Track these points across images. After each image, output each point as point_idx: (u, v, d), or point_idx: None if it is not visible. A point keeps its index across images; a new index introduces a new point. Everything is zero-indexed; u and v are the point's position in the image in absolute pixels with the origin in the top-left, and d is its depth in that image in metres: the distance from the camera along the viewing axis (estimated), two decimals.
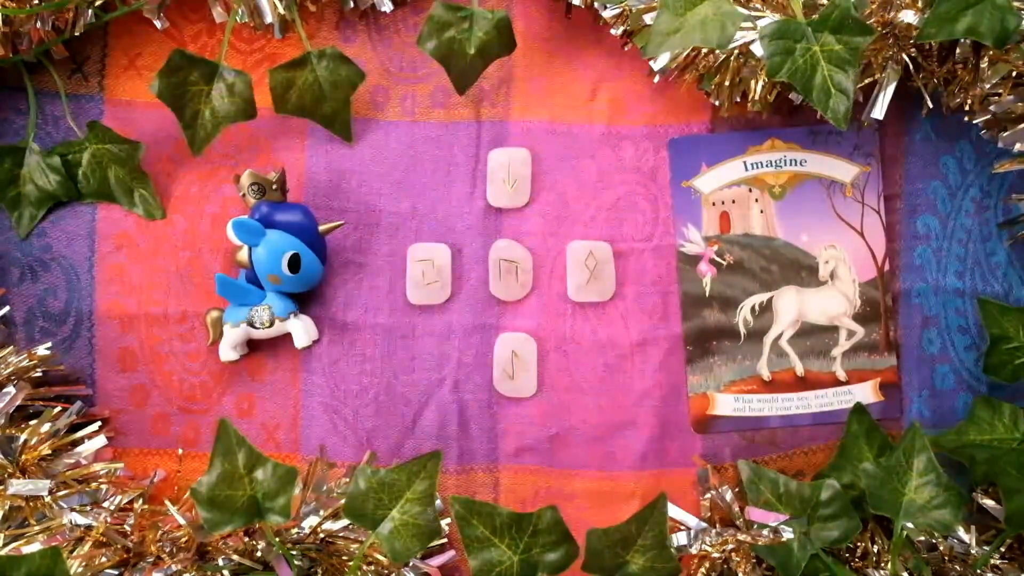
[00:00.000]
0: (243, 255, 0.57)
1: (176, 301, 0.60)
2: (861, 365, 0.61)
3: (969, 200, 0.62)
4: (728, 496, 0.58)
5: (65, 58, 0.60)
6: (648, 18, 0.54)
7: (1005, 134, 0.56)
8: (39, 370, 0.57)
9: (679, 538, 0.57)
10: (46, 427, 0.55)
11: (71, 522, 0.53)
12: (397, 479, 0.50)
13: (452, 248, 0.61)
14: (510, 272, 0.61)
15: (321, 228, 0.58)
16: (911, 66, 0.55)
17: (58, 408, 0.56)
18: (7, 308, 0.59)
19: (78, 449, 0.56)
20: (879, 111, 0.56)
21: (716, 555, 0.57)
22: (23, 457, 0.53)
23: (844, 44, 0.49)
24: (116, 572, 0.53)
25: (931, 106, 0.57)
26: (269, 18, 0.57)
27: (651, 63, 0.57)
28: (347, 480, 0.58)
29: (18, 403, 0.54)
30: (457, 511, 0.49)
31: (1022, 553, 0.56)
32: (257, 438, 0.61)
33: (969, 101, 0.56)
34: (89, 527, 0.53)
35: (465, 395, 0.61)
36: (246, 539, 0.54)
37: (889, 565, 0.55)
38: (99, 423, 0.58)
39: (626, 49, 0.60)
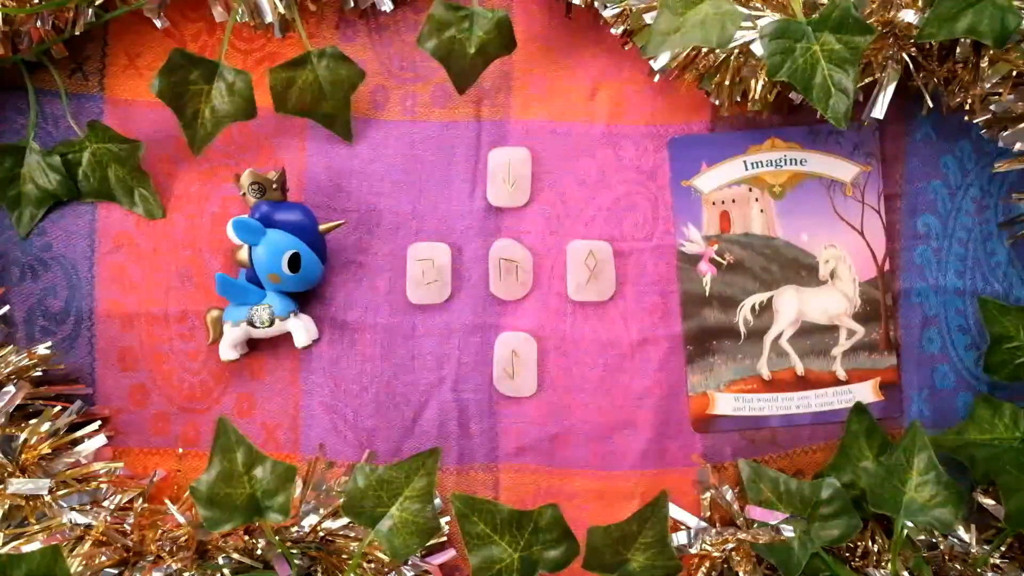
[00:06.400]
0: (243, 254, 0.57)
1: (176, 300, 0.61)
2: (861, 364, 0.61)
3: (969, 200, 0.62)
4: (728, 495, 0.58)
5: (65, 57, 0.60)
6: (648, 17, 0.54)
7: (1005, 133, 0.56)
8: (39, 369, 0.57)
9: (679, 537, 0.57)
10: (46, 426, 0.55)
11: (71, 521, 0.53)
12: (396, 476, 0.50)
13: (452, 247, 0.61)
14: (510, 271, 0.61)
15: (321, 227, 0.58)
16: (911, 66, 0.55)
17: (58, 407, 0.56)
18: (7, 307, 0.59)
19: (78, 448, 0.56)
20: (879, 111, 0.56)
21: (716, 554, 0.57)
22: (23, 456, 0.53)
23: (844, 43, 0.49)
24: (116, 571, 0.53)
25: (931, 106, 0.57)
26: (269, 17, 0.57)
27: (651, 62, 0.57)
28: (347, 479, 0.58)
29: (18, 402, 0.54)
30: (458, 508, 0.49)
31: (1022, 552, 0.56)
32: (257, 437, 0.61)
33: (969, 100, 0.57)
34: (89, 526, 0.53)
35: (465, 394, 0.61)
36: (246, 537, 0.54)
37: (889, 564, 0.55)
38: (99, 422, 0.58)
39: (626, 48, 0.60)
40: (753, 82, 0.55)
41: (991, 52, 0.54)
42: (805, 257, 0.61)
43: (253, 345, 0.61)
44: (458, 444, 0.61)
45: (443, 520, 0.58)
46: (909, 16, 0.52)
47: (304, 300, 0.60)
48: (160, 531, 0.54)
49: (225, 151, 0.61)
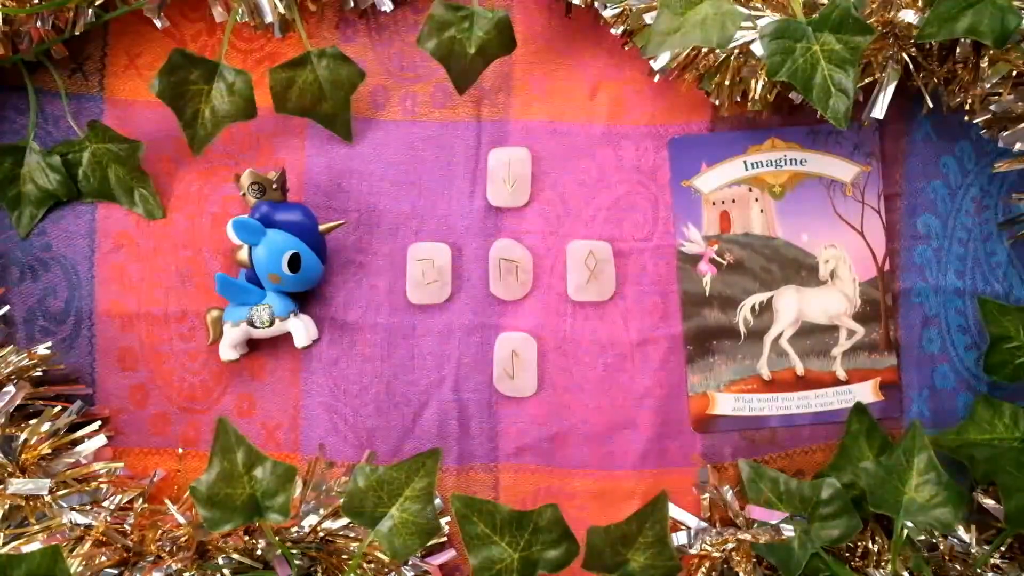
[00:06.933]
0: (243, 254, 0.57)
1: (176, 300, 0.60)
2: (861, 364, 0.61)
3: (969, 200, 0.62)
4: (728, 495, 0.58)
5: (65, 57, 0.60)
6: (648, 17, 0.54)
7: (1005, 133, 0.56)
8: (39, 369, 0.57)
9: (679, 537, 0.57)
10: (46, 426, 0.55)
11: (71, 521, 0.53)
12: (396, 477, 0.50)
13: (452, 247, 0.61)
14: (510, 272, 0.61)
15: (321, 227, 0.58)
16: (911, 66, 0.55)
17: (58, 407, 0.56)
18: (7, 307, 0.59)
19: (78, 448, 0.56)
20: (879, 111, 0.56)
21: (716, 554, 0.57)
22: (23, 456, 0.53)
23: (844, 44, 0.49)
24: (116, 571, 0.53)
25: (931, 106, 0.57)
26: (269, 17, 0.57)
27: (651, 62, 0.57)
28: (347, 479, 0.58)
29: (18, 402, 0.54)
30: (458, 508, 0.49)
31: (1022, 552, 0.56)
32: (257, 438, 0.61)
33: (969, 100, 0.57)
34: (89, 526, 0.53)
35: (465, 394, 0.61)
36: (246, 538, 0.54)
37: (889, 564, 0.55)
38: (99, 422, 0.58)
39: (626, 49, 0.60)
40: (753, 82, 0.55)
41: (991, 52, 0.54)
42: (805, 257, 0.61)
43: (253, 345, 0.61)
44: (458, 444, 0.61)
45: (443, 520, 0.58)
46: (909, 16, 0.52)
47: (304, 300, 0.60)
48: (160, 531, 0.54)
49: (225, 151, 0.61)
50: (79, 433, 0.56)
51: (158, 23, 0.59)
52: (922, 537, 0.56)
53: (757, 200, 0.61)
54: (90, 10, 0.56)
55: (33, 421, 0.55)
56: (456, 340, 0.61)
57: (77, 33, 0.57)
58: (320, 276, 0.59)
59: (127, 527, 0.54)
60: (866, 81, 0.55)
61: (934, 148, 0.62)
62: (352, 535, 0.55)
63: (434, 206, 0.61)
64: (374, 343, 0.61)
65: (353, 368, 0.61)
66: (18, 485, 0.52)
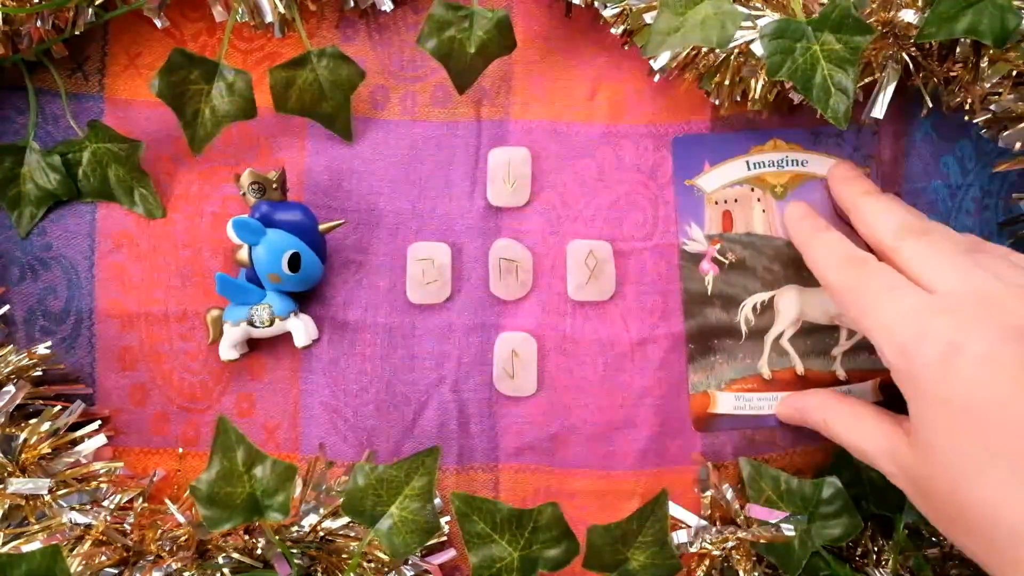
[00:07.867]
0: (243, 254, 0.57)
1: (176, 300, 0.60)
2: (861, 364, 0.61)
3: (970, 200, 0.62)
4: (729, 494, 0.58)
5: (65, 57, 0.60)
6: (648, 17, 0.54)
7: (1005, 133, 0.56)
8: (39, 369, 0.57)
9: (679, 536, 0.57)
10: (46, 426, 0.54)
11: (71, 521, 0.53)
12: (395, 475, 0.50)
13: (452, 247, 0.61)
14: (510, 271, 0.61)
15: (321, 227, 0.58)
16: (911, 65, 0.55)
17: (58, 407, 0.56)
18: (7, 307, 0.59)
19: (78, 448, 0.56)
20: (879, 110, 0.56)
21: (716, 553, 0.57)
22: (23, 456, 0.53)
23: (844, 43, 0.49)
24: (116, 571, 0.53)
25: (931, 106, 0.57)
26: (269, 17, 0.57)
27: (651, 62, 0.57)
28: (346, 478, 0.58)
29: (18, 402, 0.54)
30: (457, 507, 0.49)
31: None
32: (257, 437, 0.61)
33: (969, 100, 0.57)
34: (89, 526, 0.53)
35: (465, 394, 0.61)
36: (246, 537, 0.54)
37: (890, 563, 0.55)
38: (99, 422, 0.58)
39: (626, 48, 0.60)
40: (753, 82, 0.55)
41: (991, 52, 0.54)
42: None
43: (253, 345, 0.61)
44: (458, 444, 0.61)
45: (443, 520, 0.58)
46: (909, 16, 0.52)
47: (304, 300, 0.60)
48: (160, 531, 0.54)
49: (225, 151, 0.61)
50: (79, 433, 0.56)
51: (158, 23, 0.59)
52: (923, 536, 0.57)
53: (759, 200, 0.61)
54: (90, 10, 0.56)
55: (33, 421, 0.55)
56: (456, 340, 0.61)
57: (77, 33, 0.57)
58: (320, 276, 0.59)
59: (127, 527, 0.54)
60: (866, 81, 0.55)
61: (934, 148, 0.62)
62: (352, 534, 0.55)
63: (434, 206, 0.61)
64: (374, 343, 0.61)
65: (353, 368, 0.61)
66: (18, 485, 0.52)
